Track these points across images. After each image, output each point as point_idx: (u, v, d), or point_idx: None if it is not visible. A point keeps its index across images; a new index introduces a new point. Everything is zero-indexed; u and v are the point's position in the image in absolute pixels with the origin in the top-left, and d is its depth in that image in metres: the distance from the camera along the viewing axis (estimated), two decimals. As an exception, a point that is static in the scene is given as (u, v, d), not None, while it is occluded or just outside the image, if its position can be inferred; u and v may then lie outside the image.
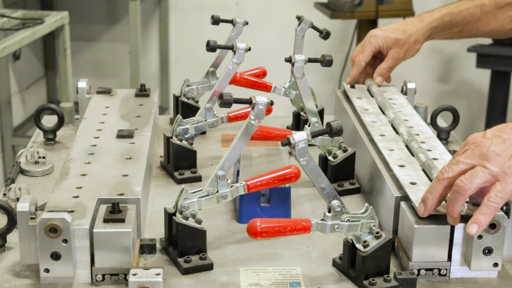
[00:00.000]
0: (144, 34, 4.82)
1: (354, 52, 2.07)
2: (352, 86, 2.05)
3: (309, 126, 1.73)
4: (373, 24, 4.43)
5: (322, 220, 1.35)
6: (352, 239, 1.37)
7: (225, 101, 1.37)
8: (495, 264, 1.37)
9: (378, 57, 2.08)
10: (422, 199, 1.38)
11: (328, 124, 1.31)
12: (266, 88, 1.97)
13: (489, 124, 4.35)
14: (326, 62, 1.68)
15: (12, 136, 4.32)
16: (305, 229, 1.34)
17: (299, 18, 1.98)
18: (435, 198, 1.36)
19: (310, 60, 1.67)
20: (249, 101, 1.39)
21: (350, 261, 1.39)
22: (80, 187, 1.48)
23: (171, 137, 1.78)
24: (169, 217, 1.43)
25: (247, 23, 2.01)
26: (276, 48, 4.68)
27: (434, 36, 2.10)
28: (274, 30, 4.85)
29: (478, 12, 2.03)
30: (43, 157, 1.79)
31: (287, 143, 1.29)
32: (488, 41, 4.25)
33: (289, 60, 1.66)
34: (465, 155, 1.36)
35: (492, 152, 1.33)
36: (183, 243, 1.41)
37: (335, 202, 1.35)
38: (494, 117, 4.32)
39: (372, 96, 1.99)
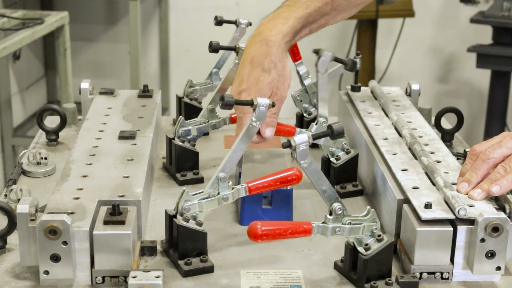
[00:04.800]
0: (144, 34, 4.81)
1: None
2: (356, 90, 2.03)
3: (316, 124, 1.70)
4: (373, 24, 4.41)
5: (323, 223, 1.34)
6: (353, 242, 1.36)
7: (226, 103, 1.37)
8: (498, 268, 1.36)
9: None
10: (464, 179, 1.47)
11: (329, 126, 1.30)
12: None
13: (489, 124, 4.33)
14: (350, 65, 1.68)
15: (12, 136, 4.31)
16: (306, 232, 1.33)
17: None
18: (479, 176, 1.46)
19: (336, 59, 1.65)
20: (250, 103, 1.39)
21: (352, 264, 1.38)
22: (81, 189, 1.47)
23: (173, 138, 1.77)
24: (169, 219, 1.42)
25: (250, 24, 2.01)
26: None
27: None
28: (274, 30, 4.83)
29: (328, 9, 1.79)
30: (45, 158, 1.78)
31: (288, 145, 1.28)
32: (488, 41, 4.23)
33: (316, 52, 1.61)
34: (505, 141, 1.48)
35: None
36: (184, 245, 1.40)
37: (336, 205, 1.34)
38: (494, 117, 4.31)
39: (375, 99, 1.97)
